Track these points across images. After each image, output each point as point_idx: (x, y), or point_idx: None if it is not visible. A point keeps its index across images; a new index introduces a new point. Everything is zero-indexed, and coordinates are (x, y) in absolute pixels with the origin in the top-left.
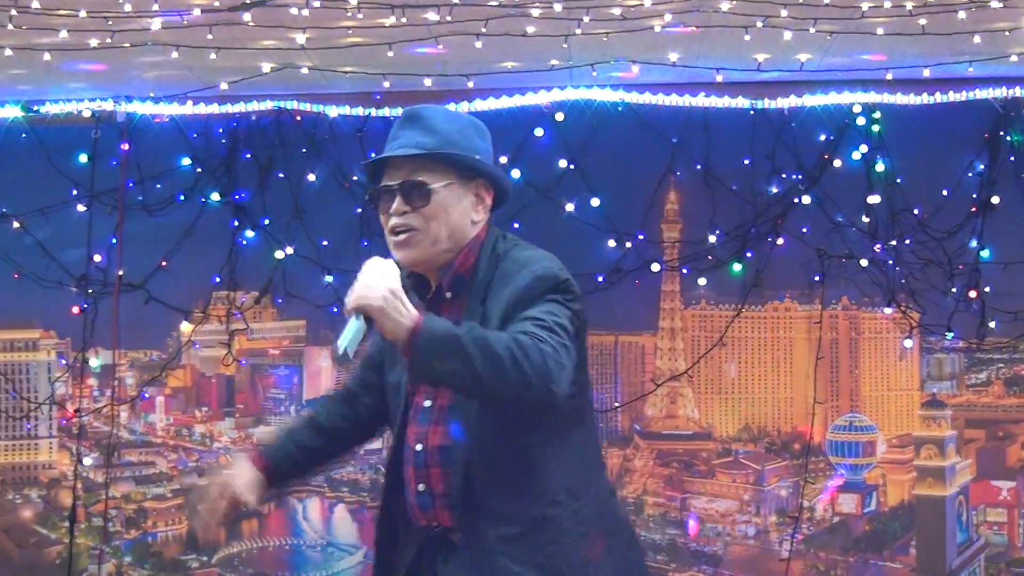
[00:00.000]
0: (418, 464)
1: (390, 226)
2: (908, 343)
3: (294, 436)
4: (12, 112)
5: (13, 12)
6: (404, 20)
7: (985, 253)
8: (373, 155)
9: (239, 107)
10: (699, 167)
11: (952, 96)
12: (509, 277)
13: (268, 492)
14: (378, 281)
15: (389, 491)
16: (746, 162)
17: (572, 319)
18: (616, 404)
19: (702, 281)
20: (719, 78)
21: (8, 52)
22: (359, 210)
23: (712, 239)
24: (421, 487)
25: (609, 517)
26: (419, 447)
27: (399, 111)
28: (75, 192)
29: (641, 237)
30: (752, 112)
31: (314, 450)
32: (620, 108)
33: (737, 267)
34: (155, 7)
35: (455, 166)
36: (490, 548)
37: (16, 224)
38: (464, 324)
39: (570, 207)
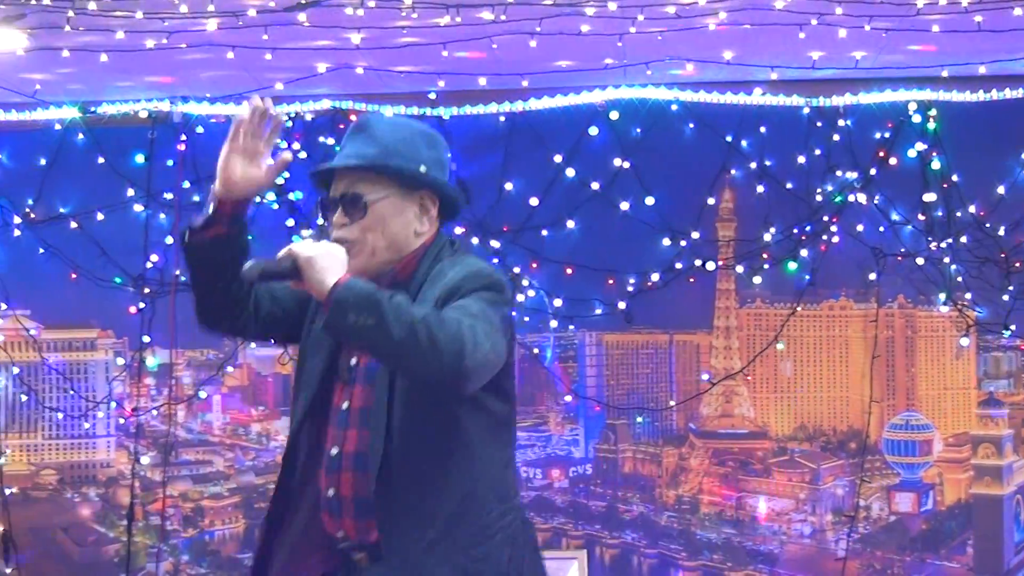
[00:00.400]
0: (331, 468)
1: (333, 237)
2: (964, 341)
3: None
4: (69, 113)
5: (70, 13)
6: (459, 20)
7: None
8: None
9: (294, 107)
10: (754, 165)
11: (1008, 93)
12: (440, 275)
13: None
14: (322, 246)
15: (284, 497)
16: (801, 160)
17: (501, 319)
18: (672, 403)
19: (757, 280)
20: (774, 76)
21: (65, 53)
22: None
23: (767, 237)
24: (331, 492)
25: (529, 529)
26: (335, 451)
27: (453, 110)
28: (132, 192)
29: (696, 236)
30: (807, 110)
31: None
32: (675, 106)
33: (792, 265)
34: (211, 8)
35: (396, 178)
36: (413, 552)
37: (74, 224)
38: (390, 291)
39: (625, 206)
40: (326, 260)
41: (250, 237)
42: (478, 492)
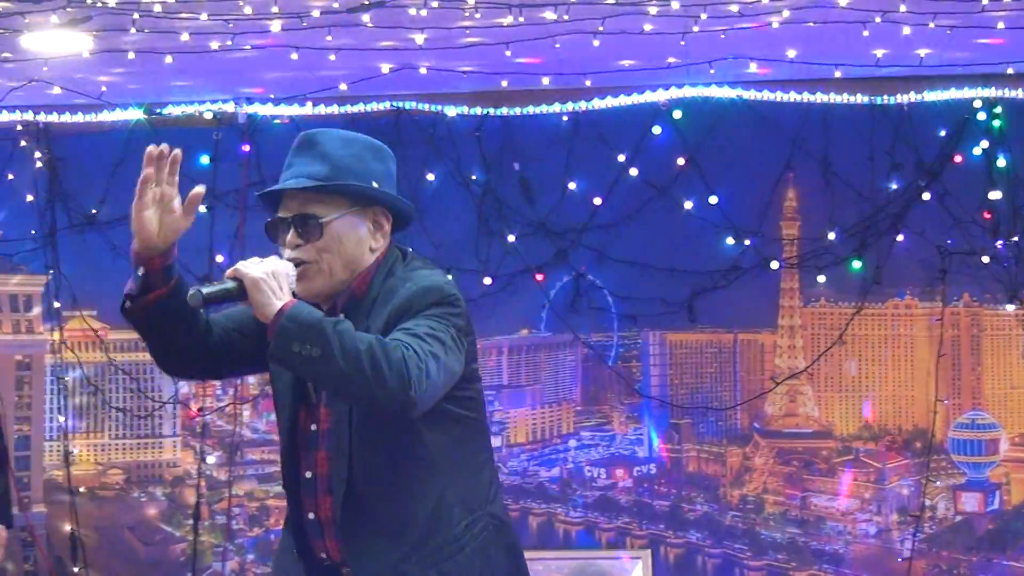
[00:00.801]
0: (308, 492)
1: (285, 259)
2: None
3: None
4: (135, 115)
5: (136, 16)
6: (521, 19)
7: None
8: (263, 189)
9: (358, 107)
10: (818, 164)
11: None
12: (392, 292)
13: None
14: (268, 264)
15: (289, 521)
16: (865, 158)
17: (454, 335)
18: (736, 402)
19: (821, 279)
20: (837, 74)
21: (131, 55)
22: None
23: (831, 236)
24: (311, 515)
25: (504, 534)
26: (308, 474)
27: (517, 110)
28: None
29: (760, 235)
30: (871, 108)
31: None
32: (738, 105)
33: (856, 264)
34: (275, 9)
35: (349, 196)
36: (384, 570)
37: None
38: (335, 319)
39: (688, 205)
40: (272, 282)
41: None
42: (444, 504)
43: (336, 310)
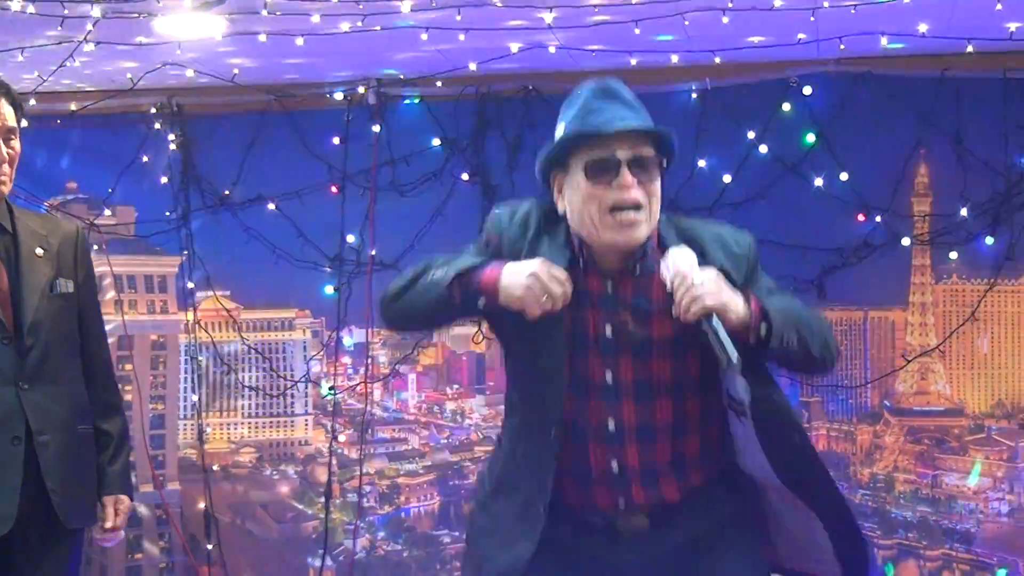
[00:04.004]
0: (612, 441)
1: (612, 202)
2: None
3: None
4: (267, 97)
5: None
6: None
7: None
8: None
9: (487, 87)
10: (949, 139)
11: None
12: (719, 239)
13: None
14: (707, 271)
15: (535, 474)
16: (998, 133)
17: None
18: (866, 380)
19: (953, 255)
20: (970, 48)
21: (263, 37)
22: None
23: (964, 212)
24: (614, 465)
25: None
26: (611, 425)
27: (645, 88)
28: (328, 174)
29: (891, 211)
30: (1004, 82)
31: None
32: (868, 80)
33: (989, 240)
34: None
35: (664, 145)
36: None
37: (271, 206)
38: (773, 298)
39: (819, 182)
40: (721, 281)
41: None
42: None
43: (632, 267)
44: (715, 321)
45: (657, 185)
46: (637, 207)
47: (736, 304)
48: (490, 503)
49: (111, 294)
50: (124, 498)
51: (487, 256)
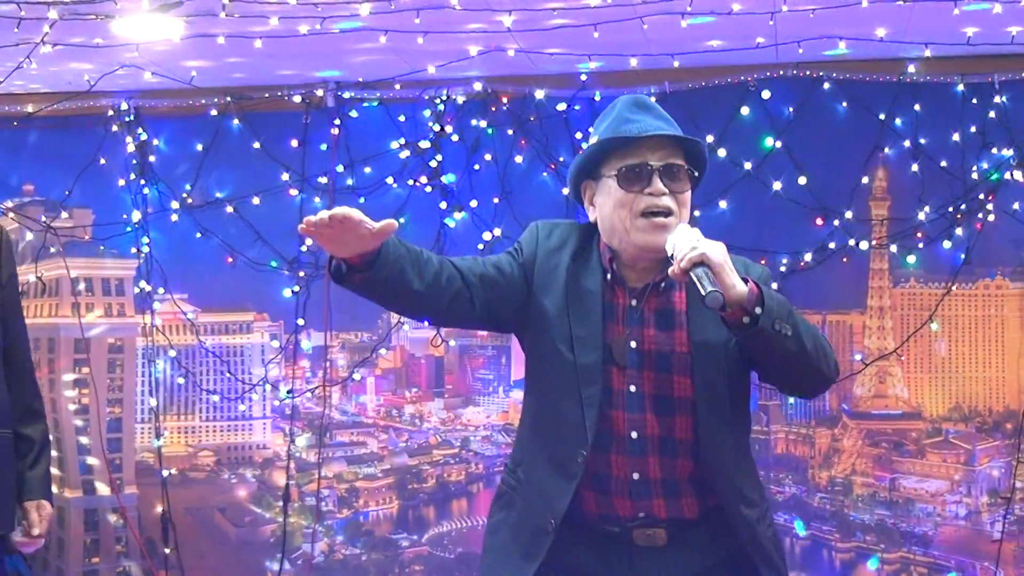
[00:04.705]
0: (634, 452)
1: (644, 206)
2: None
3: (404, 243)
4: (224, 99)
5: (225, 1)
6: (609, 0)
7: None
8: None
9: (446, 90)
10: (908, 143)
11: None
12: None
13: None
14: (712, 243)
15: (556, 481)
16: (955, 138)
17: None
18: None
19: (911, 259)
20: (927, 53)
21: (221, 40)
22: (564, 191)
23: (922, 216)
24: (636, 475)
25: None
26: (635, 434)
27: (610, 92)
28: (286, 177)
29: (849, 215)
30: (961, 87)
31: (411, 264)
32: (827, 85)
33: (947, 244)
34: None
35: (695, 157)
36: (743, 528)
37: (229, 209)
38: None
39: (777, 185)
40: (725, 251)
41: (401, 220)
42: (755, 470)
43: (660, 275)
44: (708, 272)
45: (688, 196)
46: (668, 213)
47: (735, 273)
48: (504, 517)
49: (68, 297)
50: (45, 503)
51: (516, 261)
